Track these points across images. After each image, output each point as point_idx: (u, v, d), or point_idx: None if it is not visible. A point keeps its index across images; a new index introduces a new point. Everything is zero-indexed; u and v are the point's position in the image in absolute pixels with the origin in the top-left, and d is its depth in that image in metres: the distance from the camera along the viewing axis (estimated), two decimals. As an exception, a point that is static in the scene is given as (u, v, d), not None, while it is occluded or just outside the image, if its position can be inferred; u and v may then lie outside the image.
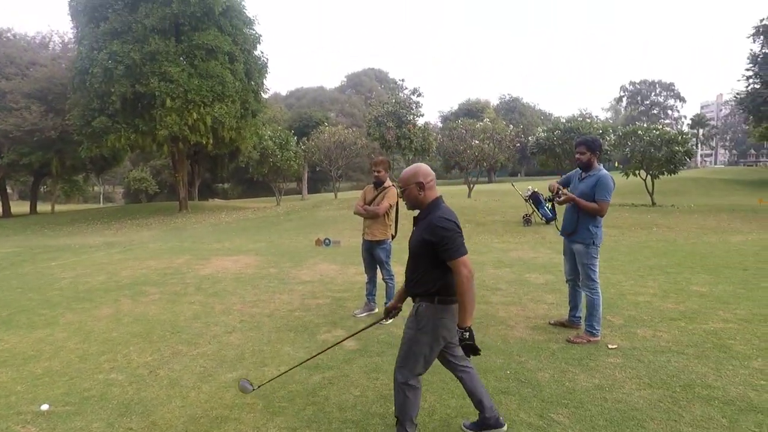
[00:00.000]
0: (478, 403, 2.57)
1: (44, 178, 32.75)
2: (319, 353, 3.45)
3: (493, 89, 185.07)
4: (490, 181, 43.64)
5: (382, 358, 3.69)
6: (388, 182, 4.66)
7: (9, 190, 33.64)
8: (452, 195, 19.63)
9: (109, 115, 17.77)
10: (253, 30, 21.24)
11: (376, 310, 4.85)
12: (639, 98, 66.91)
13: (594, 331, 3.79)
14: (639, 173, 15.79)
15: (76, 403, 3.12)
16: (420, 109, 20.48)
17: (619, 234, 9.62)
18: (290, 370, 3.28)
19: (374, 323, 3.14)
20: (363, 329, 3.27)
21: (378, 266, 4.74)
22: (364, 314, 4.79)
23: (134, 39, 17.03)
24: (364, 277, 4.99)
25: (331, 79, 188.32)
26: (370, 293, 4.85)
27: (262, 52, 22.23)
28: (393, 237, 4.75)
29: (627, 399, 2.90)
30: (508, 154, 21.28)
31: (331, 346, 3.44)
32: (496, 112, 52.30)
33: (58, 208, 36.72)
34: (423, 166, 2.50)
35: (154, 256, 9.25)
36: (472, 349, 2.30)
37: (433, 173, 2.51)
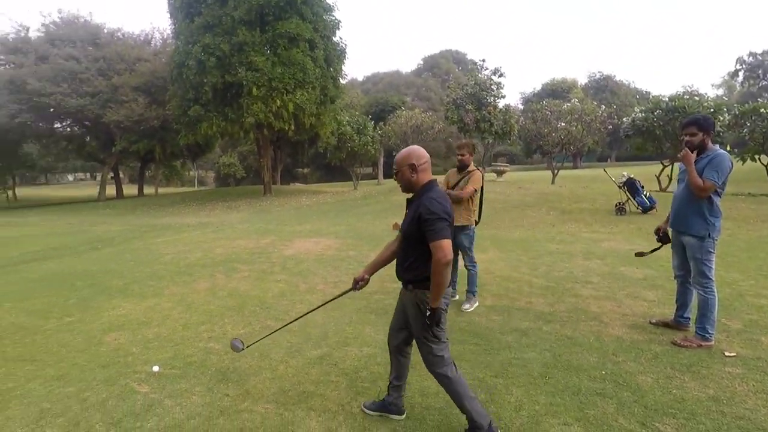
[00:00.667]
0: (396, 388, 2.66)
1: (149, 164, 36.37)
2: (293, 321, 3.44)
3: (581, 67, 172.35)
4: (575, 167, 40.90)
5: (464, 346, 3.60)
6: (472, 166, 4.48)
7: (121, 175, 37.79)
8: (533, 181, 18.70)
9: (202, 104, 19.13)
10: (333, 16, 21.58)
11: (456, 297, 4.74)
12: (760, 71, 58.47)
13: (707, 335, 3.37)
14: (759, 158, 13.85)
15: (181, 367, 3.40)
16: (501, 90, 19.57)
17: (735, 227, 8.53)
18: (272, 333, 3.49)
19: (343, 293, 2.99)
20: (333, 299, 3.15)
21: (460, 252, 4.60)
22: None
23: (224, 31, 18.07)
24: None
25: (407, 63, 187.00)
26: (451, 280, 4.74)
27: (340, 38, 22.57)
28: (476, 223, 4.57)
29: (751, 416, 2.54)
30: (598, 137, 19.73)
31: (304, 315, 3.32)
32: (584, 92, 48.52)
33: (160, 190, 40.62)
34: (417, 149, 2.44)
35: (243, 236, 9.85)
36: (431, 327, 2.31)
37: (428, 156, 2.45)
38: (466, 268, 4.54)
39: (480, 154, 23.16)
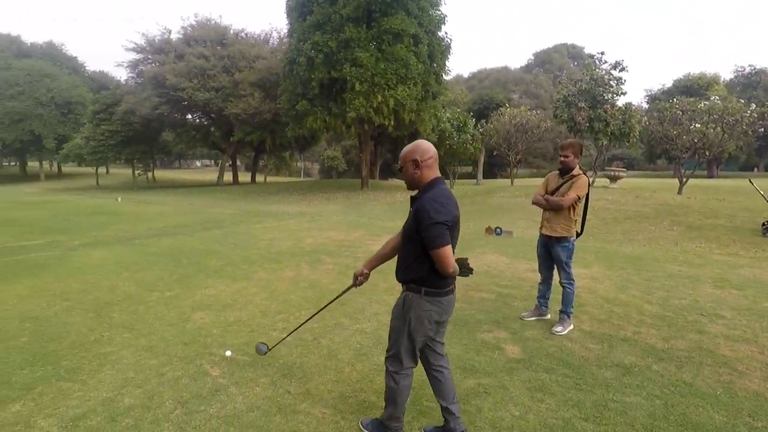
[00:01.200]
0: (445, 410, 2.40)
1: (261, 154, 39.46)
2: (304, 323, 3.31)
3: (724, 61, 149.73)
4: (710, 176, 35.53)
5: (550, 375, 3.13)
6: (577, 170, 3.91)
7: (238, 163, 41.55)
8: (655, 189, 16.57)
9: (309, 99, 20.09)
10: (439, 11, 21.21)
11: (548, 317, 4.21)
12: None
13: None
14: None
15: (252, 354, 3.42)
16: (622, 86, 17.57)
17: None
18: (293, 331, 3.40)
19: (345, 290, 2.85)
20: (335, 298, 3.07)
21: (555, 266, 4.07)
22: (533, 318, 4.20)
23: (332, 29, 18.72)
24: (537, 276, 4.38)
25: (517, 58, 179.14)
26: (543, 296, 4.22)
27: (446, 33, 22.14)
28: (578, 235, 4.00)
29: None
30: (743, 141, 16.83)
31: (313, 316, 3.20)
32: (729, 89, 41.81)
33: (269, 179, 43.85)
34: (423, 143, 2.25)
35: (335, 227, 10.06)
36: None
37: (434, 152, 2.25)
38: (561, 285, 4.00)
39: (591, 158, 21.19)
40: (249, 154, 43.57)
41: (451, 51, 22.75)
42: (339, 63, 18.84)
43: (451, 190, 2.32)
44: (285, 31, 26.21)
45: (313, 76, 19.16)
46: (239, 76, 26.72)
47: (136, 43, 30.61)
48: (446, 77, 24.75)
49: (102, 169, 44.90)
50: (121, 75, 39.66)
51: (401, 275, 2.30)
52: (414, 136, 30.41)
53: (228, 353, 3.43)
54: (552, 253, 4.02)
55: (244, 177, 41.20)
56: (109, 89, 34.96)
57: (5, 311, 4.43)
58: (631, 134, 17.74)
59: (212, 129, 34.20)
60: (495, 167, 49.76)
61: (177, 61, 27.75)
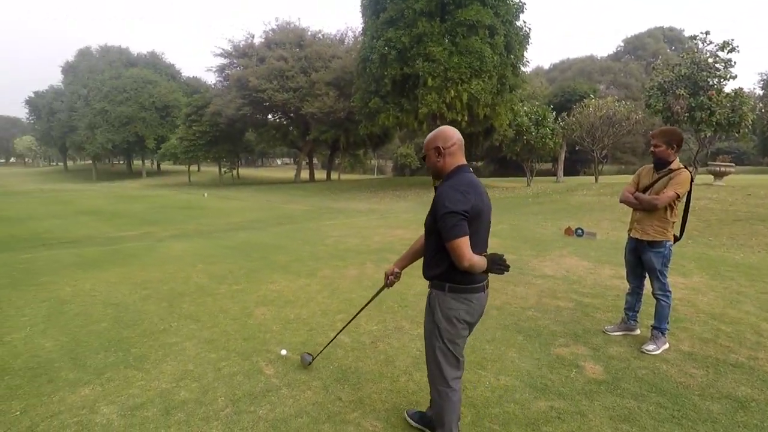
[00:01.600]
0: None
1: (336, 152, 40.50)
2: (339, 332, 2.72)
3: None
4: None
5: (639, 403, 2.67)
6: (677, 163, 3.33)
7: (315, 161, 42.98)
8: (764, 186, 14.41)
9: (381, 96, 20.11)
10: (517, -1, 20.21)
11: (638, 332, 3.67)
12: None
13: None
14: None
15: (319, 355, 3.30)
16: (731, 69, 15.41)
17: None
18: (331, 341, 3.23)
19: (378, 292, 2.68)
20: (370, 301, 2.91)
21: (648, 275, 3.53)
22: (619, 333, 3.69)
23: (405, 24, 18.53)
24: (625, 285, 3.85)
25: (604, 46, 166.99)
26: (631, 308, 3.68)
27: (524, 22, 21.03)
28: (676, 240, 3.42)
29: None
30: None
31: (348, 323, 2.89)
32: None
33: (343, 176, 44.89)
34: (446, 129, 2.07)
35: (403, 225, 9.88)
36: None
37: (458, 138, 2.05)
38: (655, 297, 3.45)
39: (691, 152, 18.98)
40: (325, 152, 45.00)
41: (529, 41, 21.61)
42: (411, 59, 18.63)
43: (478, 179, 2.05)
44: (360, 30, 26.59)
45: (385, 73, 19.14)
46: (315, 76, 27.55)
47: (223, 49, 32.85)
48: (524, 69, 23.55)
49: (194, 167, 48.86)
50: (211, 79, 42.93)
51: (425, 271, 2.13)
52: (490, 131, 29.46)
53: (283, 352, 3.36)
54: (643, 260, 3.48)
55: (321, 174, 42.57)
56: (200, 93, 37.80)
57: (94, 297, 4.78)
58: (742, 124, 15.53)
59: (290, 128, 35.65)
60: (578, 163, 46.76)
61: (259, 63, 29.26)
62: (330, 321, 4.07)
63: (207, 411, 2.63)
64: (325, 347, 3.24)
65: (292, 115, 31.56)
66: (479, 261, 1.89)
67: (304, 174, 37.94)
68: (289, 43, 30.24)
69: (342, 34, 33.21)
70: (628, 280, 3.73)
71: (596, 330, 3.78)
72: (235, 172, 41.94)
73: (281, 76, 28.05)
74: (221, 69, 33.43)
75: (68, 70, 51.62)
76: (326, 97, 26.32)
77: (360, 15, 23.10)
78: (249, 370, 3.13)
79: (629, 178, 3.65)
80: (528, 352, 3.39)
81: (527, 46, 21.59)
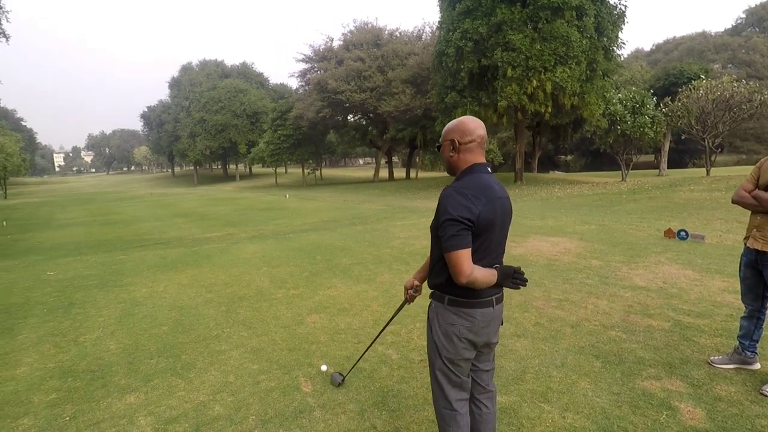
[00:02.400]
0: None
1: (416, 150, 40.26)
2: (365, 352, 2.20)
3: None
4: None
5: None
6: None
7: (396, 160, 43.16)
8: None
9: (458, 90, 19.46)
10: (610, -26, 18.36)
11: (756, 366, 2.92)
12: None
13: None
14: None
15: (348, 374, 3.07)
16: None
17: None
18: (358, 360, 3.01)
19: (399, 310, 2.40)
20: (393, 317, 2.55)
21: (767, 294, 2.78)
22: (730, 367, 2.95)
23: (483, 13, 17.70)
24: (739, 305, 3.09)
25: (719, 20, 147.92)
26: (748, 335, 2.93)
27: (618, 1, 19.05)
28: (811, 251, 2.64)
29: None
30: None
31: (371, 344, 2.23)
32: None
33: (424, 174, 44.53)
34: (468, 121, 1.78)
35: (476, 226, 9.33)
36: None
37: (479, 134, 1.76)
38: (781, 324, 2.70)
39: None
40: (405, 150, 45.00)
41: (625, 20, 19.59)
42: (489, 49, 17.77)
43: (494, 178, 1.75)
44: (437, 24, 26.04)
45: (462, 66, 18.48)
46: (392, 74, 27.53)
47: (304, 54, 34.18)
48: (619, 52, 21.39)
49: (281, 169, 51.62)
50: (295, 85, 45.07)
51: (428, 280, 1.93)
52: (580, 122, 27.36)
53: (324, 368, 3.15)
54: (765, 276, 2.74)
55: (401, 173, 42.65)
56: (284, 98, 39.75)
57: (163, 299, 4.99)
58: None
59: (369, 128, 36.11)
60: (685, 154, 41.87)
61: (337, 66, 29.97)
62: (387, 334, 3.79)
63: (235, 430, 2.49)
64: (352, 367, 2.99)
65: (370, 114, 31.92)
66: (484, 276, 1.63)
67: (384, 173, 38.23)
68: (366, 43, 30.58)
69: (419, 30, 32.88)
70: (743, 301, 2.98)
71: (699, 360, 3.08)
72: (317, 172, 43.55)
73: (358, 76, 28.46)
74: (303, 74, 34.85)
75: (174, 84, 57.28)
76: (402, 95, 26.17)
77: (438, 9, 22.67)
78: (287, 385, 2.96)
79: (750, 171, 2.88)
80: (605, 383, 2.83)
81: (622, 26, 19.60)
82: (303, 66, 34.49)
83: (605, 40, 18.63)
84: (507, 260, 5.75)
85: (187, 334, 3.93)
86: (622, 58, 25.48)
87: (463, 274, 1.60)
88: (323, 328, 3.94)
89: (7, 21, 21.39)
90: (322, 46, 32.90)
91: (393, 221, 11.08)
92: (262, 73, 59.79)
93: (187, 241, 9.94)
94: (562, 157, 61.51)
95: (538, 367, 3.08)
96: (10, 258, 9.17)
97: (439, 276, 1.78)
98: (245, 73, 56.38)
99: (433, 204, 16.43)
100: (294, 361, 3.31)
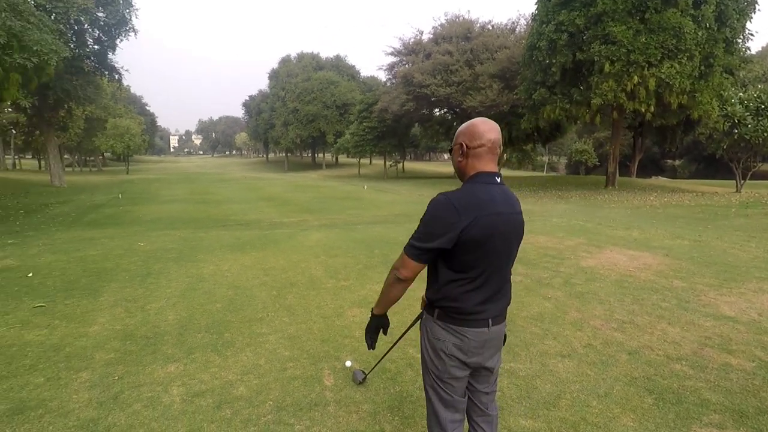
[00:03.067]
0: None
1: (504, 147, 38.77)
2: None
3: None
4: None
5: None
6: None
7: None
8: None
9: (548, 87, 18.35)
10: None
11: None
12: None
13: None
14: None
15: (374, 371, 3.03)
16: None
17: None
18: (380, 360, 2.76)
19: (416, 320, 2.00)
20: (405, 332, 2.41)
21: None
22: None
23: (581, 4, 16.40)
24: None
25: None
26: None
27: (749, -15, 16.60)
28: None
29: None
30: None
31: (386, 352, 2.15)
32: None
33: (509, 174, 42.89)
34: (477, 124, 1.61)
35: (550, 232, 8.77)
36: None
37: (489, 138, 1.59)
38: None
39: None
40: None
41: (756, 8, 17.00)
42: (585, 43, 16.51)
43: (500, 190, 1.60)
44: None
45: (554, 61, 17.38)
46: (480, 68, 26.72)
47: (393, 48, 34.41)
48: (747, 44, 18.69)
49: (366, 160, 52.77)
50: (383, 78, 45.62)
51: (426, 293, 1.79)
52: (690, 124, 24.50)
53: (348, 363, 3.15)
54: None
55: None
56: (372, 91, 40.44)
57: (224, 278, 5.34)
58: None
59: (454, 123, 35.50)
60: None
61: (425, 59, 29.77)
62: (416, 334, 3.70)
63: (251, 414, 2.58)
64: (374, 366, 2.93)
65: (456, 109, 31.36)
66: (396, 290, 1.66)
67: (466, 169, 37.36)
68: (456, 37, 29.97)
69: (513, 23, 31.48)
70: None
71: (781, 415, 2.59)
72: (400, 165, 43.85)
73: (445, 70, 28.03)
74: (390, 67, 35.13)
75: (272, 76, 60.93)
76: (489, 90, 25.30)
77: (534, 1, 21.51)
78: (310, 376, 3.01)
79: None
80: (653, 423, 2.50)
81: (752, 14, 17.06)
82: (392, 59, 34.83)
83: (728, 31, 16.34)
84: (574, 272, 5.38)
85: (235, 313, 4.16)
86: (751, 52, 22.24)
87: (403, 273, 1.59)
88: (360, 323, 3.94)
89: (136, 17, 24.22)
90: (412, 40, 32.87)
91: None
92: (354, 66, 61.37)
93: (263, 224, 10.55)
94: (669, 161, 55.71)
95: (577, 394, 2.80)
96: (117, 227, 10.43)
97: (430, 287, 1.69)
98: (338, 65, 58.26)
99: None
100: (323, 353, 3.36)
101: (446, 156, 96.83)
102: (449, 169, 50.30)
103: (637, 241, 7.86)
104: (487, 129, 1.61)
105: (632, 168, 34.44)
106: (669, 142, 34.57)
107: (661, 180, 35.92)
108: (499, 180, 1.60)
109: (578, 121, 21.80)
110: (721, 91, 16.97)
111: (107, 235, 8.60)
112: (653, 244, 7.54)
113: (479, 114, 27.28)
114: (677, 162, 54.36)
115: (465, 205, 1.49)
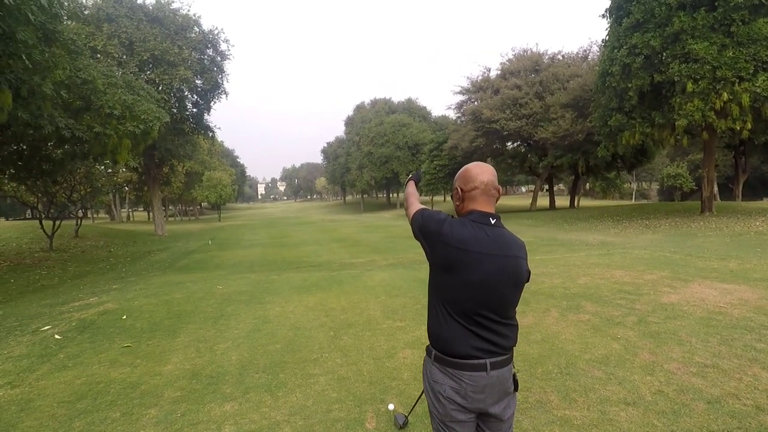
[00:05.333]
0: None
1: (584, 177, 36.92)
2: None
3: None
4: None
5: None
6: None
7: (562, 187, 40.12)
8: None
9: (625, 112, 17.37)
10: None
11: None
12: None
13: None
14: None
15: (418, 414, 2.99)
16: None
17: None
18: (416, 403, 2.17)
19: None
20: None
21: None
22: None
23: (656, 25, 15.53)
24: None
25: None
26: None
27: None
28: None
29: None
30: None
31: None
32: None
33: (589, 203, 40.46)
34: (470, 169, 1.68)
35: (629, 265, 8.10)
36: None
37: (482, 181, 1.64)
38: None
39: None
40: (569, 177, 41.69)
41: None
42: (664, 63, 15.51)
43: (494, 231, 1.62)
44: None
45: (629, 85, 16.48)
46: (551, 99, 26.10)
47: (461, 86, 34.85)
48: None
49: (440, 197, 52.81)
50: (452, 116, 46.22)
51: None
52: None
53: (391, 407, 3.14)
54: None
55: (564, 201, 39.60)
56: (442, 130, 40.98)
57: (287, 319, 5.60)
58: None
59: (528, 155, 34.65)
60: None
61: (493, 95, 29.75)
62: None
63: (292, 454, 2.66)
64: (412, 409, 2.88)
65: (529, 142, 30.67)
66: (410, 195, 1.95)
67: (544, 201, 35.99)
68: (525, 71, 29.72)
69: (585, 51, 30.59)
70: None
71: None
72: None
73: (514, 104, 27.74)
74: (459, 105, 35.50)
75: (348, 122, 64.40)
76: (561, 120, 24.50)
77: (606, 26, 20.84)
78: (354, 419, 3.04)
79: None
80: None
81: None
82: (461, 98, 35.27)
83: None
84: (651, 309, 5.02)
85: (293, 354, 4.34)
86: None
87: (411, 217, 1.76)
88: (410, 365, 3.92)
89: (227, 81, 27.26)
90: (479, 77, 33.16)
91: (534, 254, 10.36)
92: (425, 107, 63.01)
93: (333, 266, 10.92)
94: (786, 181, 49.06)
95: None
96: (203, 271, 11.40)
97: (428, 327, 1.68)
98: (409, 108, 60.14)
99: (592, 236, 14.78)
100: (370, 395, 3.37)
101: (524, 189, 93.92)
102: (525, 202, 48.68)
103: (734, 273, 6.99)
104: (480, 172, 1.66)
105: (736, 190, 30.88)
106: (777, 160, 30.70)
107: (772, 202, 31.67)
108: (494, 221, 1.61)
109: (664, 145, 20.19)
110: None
111: (193, 279, 9.43)
112: (754, 276, 6.66)
113: (553, 145, 26.43)
114: (795, 181, 47.73)
115: (463, 233, 1.57)
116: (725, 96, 14.04)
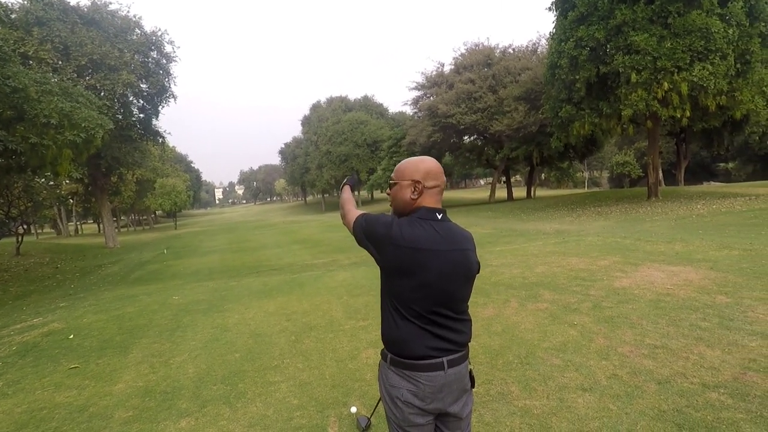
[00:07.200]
0: None
1: (539, 167, 38.05)
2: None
3: None
4: None
5: None
6: None
7: (518, 178, 41.21)
8: None
9: (574, 103, 18.02)
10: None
11: None
12: None
13: None
14: None
15: (376, 417, 2.93)
16: None
17: None
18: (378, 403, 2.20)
19: None
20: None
21: None
22: None
23: (599, 18, 16.21)
24: None
25: None
26: None
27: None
28: None
29: None
30: None
31: None
32: None
33: (545, 193, 41.83)
34: (434, 164, 1.63)
35: (583, 252, 8.39)
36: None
37: (444, 179, 1.65)
38: None
39: None
40: (525, 169, 42.91)
41: (789, -2, 16.19)
42: (608, 55, 16.20)
43: (443, 226, 1.57)
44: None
45: (577, 77, 17.11)
46: (503, 92, 26.73)
47: (416, 82, 35.12)
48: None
49: (400, 194, 52.90)
50: (410, 112, 46.57)
51: None
52: (738, 124, 23.26)
53: (353, 410, 3.08)
54: None
55: (522, 192, 40.71)
56: (400, 126, 41.18)
57: (247, 326, 5.42)
58: None
59: (485, 148, 35.37)
60: None
61: (448, 90, 30.14)
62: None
63: (250, 469, 2.54)
64: (375, 408, 2.83)
65: (485, 135, 31.30)
66: (345, 200, 1.85)
67: (502, 193, 36.87)
68: (477, 65, 30.27)
69: (533, 44, 31.49)
70: None
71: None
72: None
73: (469, 98, 28.23)
74: (415, 101, 35.76)
75: (305, 122, 63.56)
76: (515, 112, 25.18)
77: (552, 20, 21.51)
78: (315, 425, 2.96)
79: None
80: (677, 466, 2.25)
81: (785, 5, 16.24)
82: (416, 93, 35.50)
83: (762, 25, 15.59)
84: (605, 294, 5.15)
85: (253, 362, 4.19)
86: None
87: (350, 225, 1.67)
88: (373, 365, 3.86)
89: (174, 84, 26.18)
90: (434, 72, 33.49)
91: (494, 246, 10.56)
92: (382, 104, 63.03)
93: (295, 268, 10.71)
94: (722, 165, 52.53)
95: (601, 426, 2.59)
96: (158, 282, 10.90)
97: (382, 331, 1.62)
98: (366, 105, 60.02)
99: (548, 225, 15.24)
100: (332, 399, 3.30)
101: (482, 182, 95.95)
102: (484, 194, 49.76)
103: (679, 255, 7.37)
104: (441, 170, 1.65)
105: (678, 176, 32.75)
106: (717, 145, 32.82)
107: (712, 186, 33.82)
108: (440, 216, 1.57)
109: (611, 134, 21.12)
110: (764, 87, 16.05)
111: (147, 291, 9.00)
112: (697, 257, 7.03)
113: (508, 137, 27.09)
114: (731, 165, 51.20)
115: (412, 231, 1.51)
116: (666, 85, 14.82)
